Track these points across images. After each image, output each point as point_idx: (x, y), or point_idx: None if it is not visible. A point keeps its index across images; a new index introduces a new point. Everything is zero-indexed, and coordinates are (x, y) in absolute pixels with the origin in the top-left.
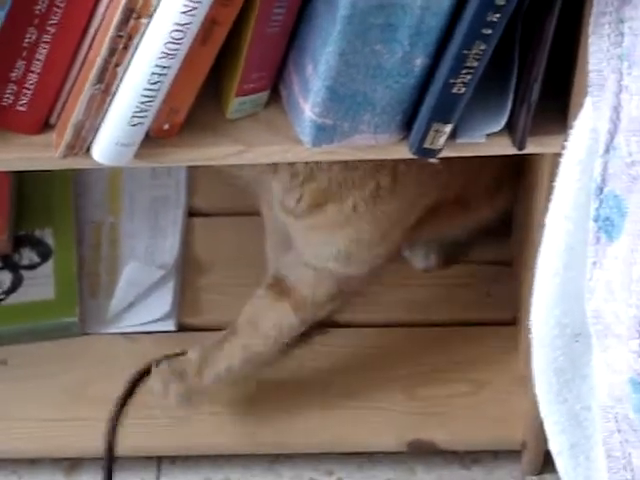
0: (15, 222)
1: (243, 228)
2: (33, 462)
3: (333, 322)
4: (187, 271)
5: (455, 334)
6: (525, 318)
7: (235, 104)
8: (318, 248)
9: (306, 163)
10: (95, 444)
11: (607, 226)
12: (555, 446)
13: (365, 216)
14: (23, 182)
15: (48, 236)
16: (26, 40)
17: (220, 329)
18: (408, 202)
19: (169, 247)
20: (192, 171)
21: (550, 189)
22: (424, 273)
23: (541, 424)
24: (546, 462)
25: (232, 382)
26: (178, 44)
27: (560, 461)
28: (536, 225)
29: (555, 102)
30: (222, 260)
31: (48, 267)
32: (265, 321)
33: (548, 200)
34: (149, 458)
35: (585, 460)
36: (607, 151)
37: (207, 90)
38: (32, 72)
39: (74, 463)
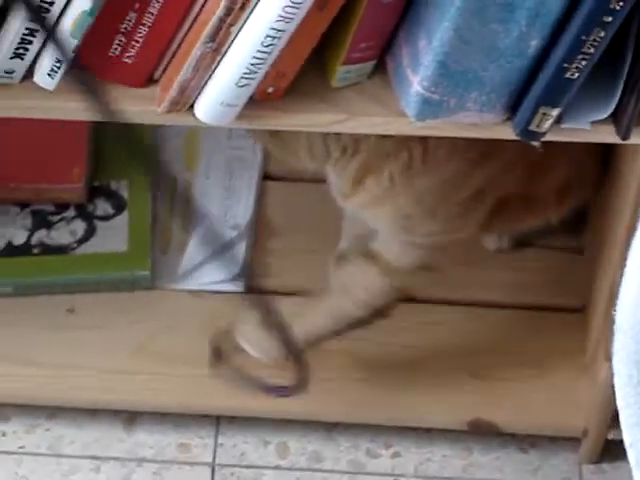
0: (92, 172)
1: (316, 194)
2: (93, 412)
3: (408, 297)
4: (259, 234)
5: (523, 318)
6: (593, 306)
7: (340, 72)
8: (375, 224)
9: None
10: (156, 398)
11: None
12: (628, 437)
13: (402, 189)
14: (101, 133)
15: (123, 189)
16: None
17: (289, 293)
18: (447, 177)
19: (242, 209)
20: None
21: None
22: (496, 254)
23: (604, 413)
24: (604, 451)
25: (317, 343)
26: (297, 8)
27: (632, 452)
28: (616, 215)
29: None
30: (294, 225)
31: (122, 219)
32: (356, 285)
33: (635, 195)
34: (208, 417)
35: None
36: None
37: (312, 57)
38: (143, 25)
39: (133, 416)
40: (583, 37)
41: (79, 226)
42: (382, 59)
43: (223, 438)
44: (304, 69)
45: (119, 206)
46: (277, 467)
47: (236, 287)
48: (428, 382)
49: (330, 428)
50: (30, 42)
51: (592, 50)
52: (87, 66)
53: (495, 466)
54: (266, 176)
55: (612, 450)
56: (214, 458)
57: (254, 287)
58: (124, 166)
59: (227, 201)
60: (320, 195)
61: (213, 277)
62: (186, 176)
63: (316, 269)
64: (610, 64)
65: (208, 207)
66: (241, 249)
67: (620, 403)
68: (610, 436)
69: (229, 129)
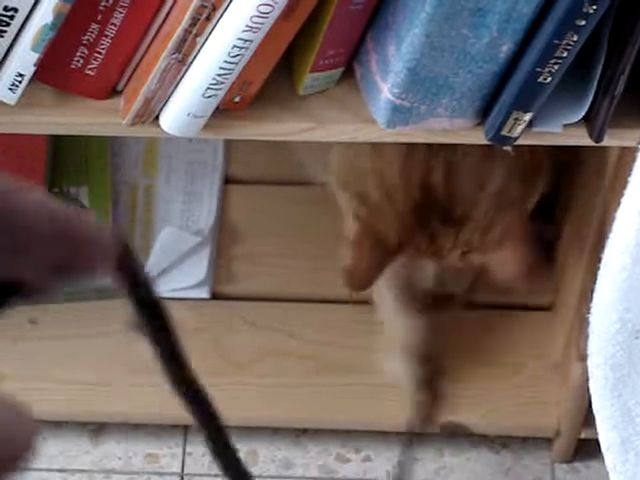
0: (50, 179)
1: (280, 197)
2: (58, 424)
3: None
4: (222, 239)
5: (491, 318)
6: (562, 304)
7: (308, 80)
8: None
9: None
10: (122, 409)
11: None
12: (605, 440)
13: None
14: (60, 139)
15: (83, 194)
16: (102, 4)
17: (254, 299)
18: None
19: (205, 213)
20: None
21: (611, 184)
22: None
23: (576, 412)
24: (577, 450)
25: None
26: (265, 17)
27: (609, 456)
28: (586, 213)
29: (633, 95)
30: (258, 229)
31: None
32: None
33: (606, 194)
34: (176, 426)
35: (635, 456)
36: None
37: (279, 65)
38: (105, 36)
39: (100, 427)
40: (556, 41)
41: None
42: (350, 66)
43: (191, 447)
44: (271, 77)
45: None
46: None
47: (201, 294)
48: (396, 385)
49: (299, 434)
50: None
51: (565, 54)
52: (49, 79)
53: (467, 468)
54: (228, 179)
55: (585, 449)
56: (183, 468)
57: (219, 293)
58: (84, 172)
59: (189, 205)
60: (283, 197)
61: (177, 284)
62: (146, 181)
63: (282, 273)
64: (582, 67)
65: (170, 212)
66: (205, 255)
67: (596, 407)
68: (583, 435)
69: None
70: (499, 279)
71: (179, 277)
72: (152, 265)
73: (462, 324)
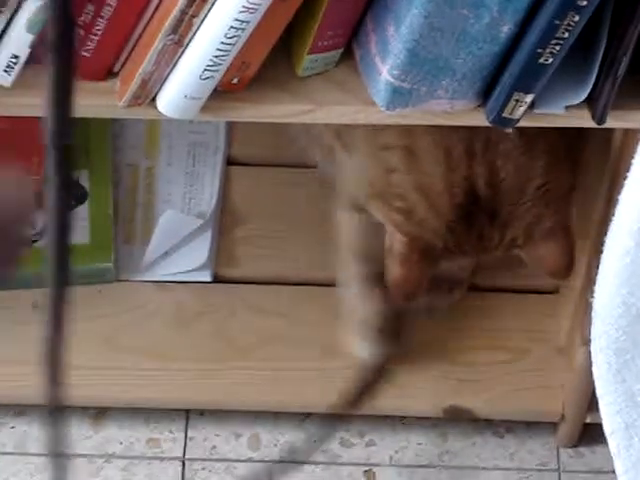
0: None
1: (282, 179)
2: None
3: None
4: (224, 221)
5: (496, 300)
6: (568, 289)
7: (307, 61)
8: None
9: None
10: (123, 393)
11: None
12: (609, 425)
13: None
14: None
15: (84, 179)
16: None
17: (256, 282)
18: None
19: (207, 196)
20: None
21: (615, 166)
22: None
23: (581, 397)
24: (582, 435)
25: None
26: None
27: (613, 441)
28: (590, 198)
29: (636, 76)
30: (260, 211)
31: (83, 210)
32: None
33: (611, 176)
34: (177, 411)
35: (638, 442)
36: None
37: (278, 46)
38: (101, 17)
39: (101, 412)
40: (557, 21)
41: (39, 218)
42: (350, 47)
43: (193, 432)
44: (270, 59)
45: (80, 197)
46: (249, 459)
47: (203, 277)
48: (401, 369)
49: (302, 418)
50: None
51: (566, 35)
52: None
53: (471, 452)
54: (230, 161)
55: (590, 433)
56: (184, 452)
57: (220, 276)
58: (84, 155)
59: (190, 187)
60: (286, 179)
61: (179, 267)
62: (147, 162)
63: (284, 256)
64: (584, 48)
65: (171, 194)
66: (207, 238)
67: (599, 391)
68: (587, 420)
69: None
70: (544, 271)
71: (181, 260)
72: (154, 248)
73: (463, 308)
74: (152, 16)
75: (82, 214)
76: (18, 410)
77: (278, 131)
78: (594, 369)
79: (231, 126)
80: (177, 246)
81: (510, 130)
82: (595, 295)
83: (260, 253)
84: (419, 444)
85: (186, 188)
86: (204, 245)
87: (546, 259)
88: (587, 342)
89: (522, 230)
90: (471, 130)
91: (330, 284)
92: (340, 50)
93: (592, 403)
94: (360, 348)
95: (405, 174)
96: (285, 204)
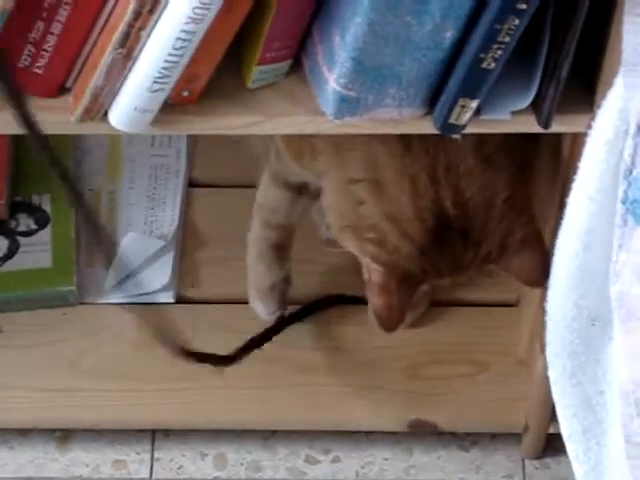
0: (12, 187)
1: (244, 200)
2: (24, 432)
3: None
4: (187, 243)
5: (457, 315)
6: (527, 300)
7: (256, 73)
8: None
9: None
10: (89, 415)
11: (635, 209)
12: (566, 430)
13: None
14: (22, 146)
15: (46, 202)
16: (47, 1)
17: (218, 302)
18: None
19: (169, 218)
20: (193, 141)
21: (566, 172)
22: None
23: (544, 407)
24: (547, 445)
25: None
26: (206, 9)
27: (571, 445)
28: (547, 206)
29: (580, 80)
30: (222, 232)
31: (46, 234)
32: None
33: (562, 182)
34: (143, 431)
35: (596, 445)
36: (639, 132)
37: (227, 59)
38: (51, 34)
39: (67, 434)
40: (497, 26)
41: (2, 243)
42: (298, 58)
43: (159, 452)
44: (221, 71)
45: (42, 221)
46: (215, 479)
47: (166, 298)
48: (365, 385)
49: (267, 436)
50: None
51: (507, 39)
52: None
53: (437, 466)
54: (192, 183)
55: (554, 444)
56: (151, 473)
57: (184, 297)
58: (46, 179)
59: (152, 210)
60: (248, 201)
61: (142, 289)
62: (110, 187)
63: (246, 276)
64: (528, 53)
65: (133, 217)
66: (169, 259)
67: (556, 396)
68: (552, 430)
69: (152, 136)
70: (521, 280)
71: (143, 282)
72: (116, 270)
73: (425, 322)
74: (102, 31)
75: (44, 238)
76: None
77: (239, 152)
78: (550, 373)
79: (192, 148)
80: (139, 268)
81: (458, 136)
82: (548, 299)
83: (222, 274)
84: (385, 459)
85: (148, 211)
86: (167, 267)
87: (522, 269)
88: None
89: (496, 244)
90: (432, 156)
91: (292, 302)
92: (289, 61)
93: (555, 413)
94: (255, 307)
95: (374, 205)
96: (247, 225)
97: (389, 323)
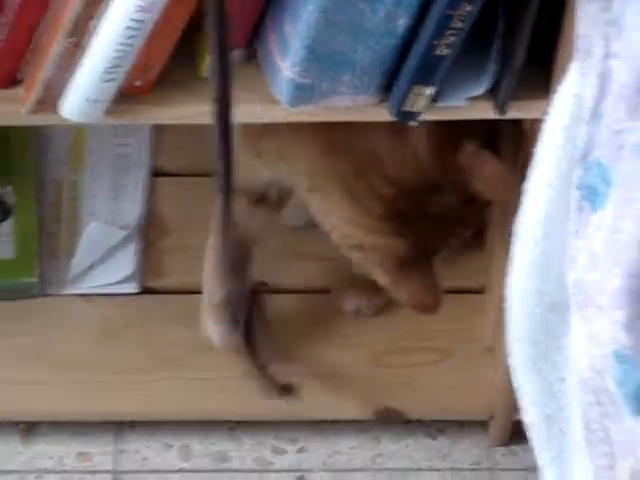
0: None
1: (208, 189)
2: None
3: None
4: (150, 232)
5: None
6: (493, 287)
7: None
8: None
9: None
10: (52, 407)
11: (591, 195)
12: (528, 417)
13: None
14: None
15: (8, 194)
16: None
17: (183, 292)
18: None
19: (131, 208)
20: (156, 130)
21: (525, 159)
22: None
23: (510, 395)
24: (514, 433)
25: None
26: None
27: (533, 432)
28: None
29: (537, 67)
30: (186, 221)
31: (8, 226)
32: None
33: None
34: (108, 423)
35: (559, 432)
36: (593, 118)
37: (181, 48)
38: (0, 24)
39: (31, 427)
40: (450, 12)
41: None
42: (252, 47)
43: (124, 444)
44: (174, 60)
45: (4, 212)
46: (181, 470)
47: (129, 288)
48: (330, 373)
49: (233, 427)
50: None
51: (460, 25)
52: None
53: (404, 454)
54: (155, 173)
55: (522, 431)
56: (116, 465)
57: (148, 287)
58: (8, 171)
59: (115, 200)
60: (212, 189)
61: (105, 279)
62: (72, 177)
63: None
64: (483, 40)
65: (96, 207)
66: (132, 249)
67: (517, 382)
68: (518, 417)
69: (114, 126)
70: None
71: (107, 272)
72: (79, 261)
73: (388, 310)
74: (52, 20)
75: (6, 229)
76: None
77: (202, 140)
78: (511, 360)
79: (155, 138)
80: (103, 258)
81: (415, 123)
82: (508, 286)
83: (187, 263)
84: (351, 448)
85: (111, 201)
86: (130, 257)
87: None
88: None
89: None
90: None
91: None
92: (242, 49)
93: None
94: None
95: (329, 215)
96: (211, 214)
97: (428, 304)
